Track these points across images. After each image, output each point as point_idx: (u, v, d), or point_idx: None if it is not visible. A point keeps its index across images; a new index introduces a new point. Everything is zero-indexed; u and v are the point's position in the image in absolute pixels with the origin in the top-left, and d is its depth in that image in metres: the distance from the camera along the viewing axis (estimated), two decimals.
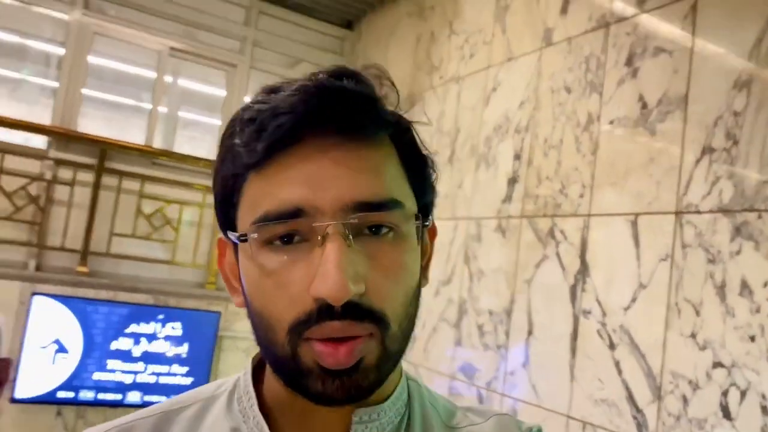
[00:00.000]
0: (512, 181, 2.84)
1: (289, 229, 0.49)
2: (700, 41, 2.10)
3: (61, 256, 3.69)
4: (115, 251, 3.85)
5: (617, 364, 2.17)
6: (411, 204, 0.53)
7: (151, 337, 3.67)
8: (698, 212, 2.00)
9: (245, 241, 0.50)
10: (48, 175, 3.71)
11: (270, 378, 0.57)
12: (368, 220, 0.49)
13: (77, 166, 3.77)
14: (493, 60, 3.12)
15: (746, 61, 1.94)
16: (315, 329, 0.48)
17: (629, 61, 2.35)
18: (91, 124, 4.30)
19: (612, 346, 2.20)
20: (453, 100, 3.38)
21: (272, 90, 0.51)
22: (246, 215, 0.51)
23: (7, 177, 3.56)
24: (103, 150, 3.79)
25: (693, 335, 1.94)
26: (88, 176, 3.80)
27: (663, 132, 2.17)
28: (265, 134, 0.48)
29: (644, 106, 2.26)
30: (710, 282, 1.92)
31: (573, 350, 2.35)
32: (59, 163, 3.74)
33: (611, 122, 2.38)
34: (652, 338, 2.07)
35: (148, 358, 3.64)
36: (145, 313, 3.68)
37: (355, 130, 0.49)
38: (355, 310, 0.48)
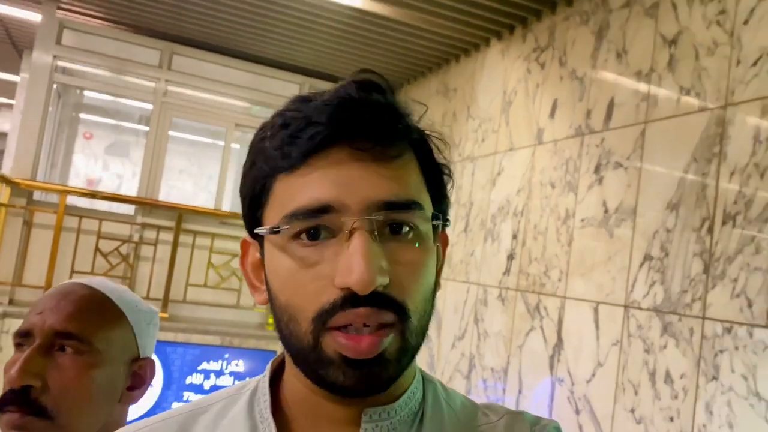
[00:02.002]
0: (510, 257, 3.33)
1: (318, 224, 0.51)
2: (647, 163, 2.54)
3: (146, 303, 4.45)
4: (190, 298, 4.59)
5: (580, 427, 2.63)
6: (429, 207, 0.56)
7: (219, 373, 4.37)
8: (639, 308, 2.45)
9: (277, 232, 0.53)
10: (136, 237, 4.49)
11: (289, 378, 0.59)
12: (391, 218, 0.52)
13: (159, 228, 4.53)
14: (499, 147, 3.61)
15: (676, 188, 2.37)
16: (339, 316, 0.50)
17: (597, 170, 2.80)
18: (171, 192, 5.07)
19: (577, 412, 2.66)
20: (468, 176, 3.88)
21: (305, 99, 0.54)
22: (275, 212, 0.54)
23: (103, 240, 4.35)
24: (180, 214, 4.54)
25: (632, 410, 2.39)
26: (168, 236, 4.56)
27: (618, 236, 2.62)
28: (300, 141, 0.51)
29: (606, 210, 2.71)
30: (645, 368, 2.37)
31: (550, 410, 2.82)
32: (144, 226, 4.51)
33: (582, 220, 2.84)
34: (606, 409, 2.52)
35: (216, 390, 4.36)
36: (213, 353, 4.39)
37: (381, 139, 0.52)
38: (380, 299, 0.50)
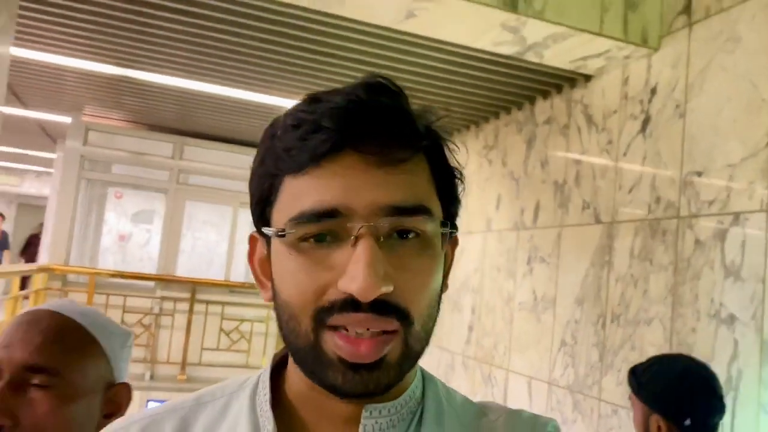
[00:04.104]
0: (470, 328, 3.83)
1: (324, 228, 0.50)
2: (562, 262, 3.03)
3: (166, 367, 5.07)
4: (205, 361, 5.18)
5: None
6: (438, 212, 0.55)
7: None
8: (558, 386, 2.93)
9: (282, 236, 0.52)
10: (156, 309, 5.12)
11: (291, 373, 0.59)
12: (398, 224, 0.51)
13: (176, 300, 5.15)
14: (461, 228, 4.11)
15: (581, 286, 2.86)
16: (338, 317, 0.49)
17: (529, 261, 3.30)
18: (185, 265, 5.70)
19: None
20: None
21: (315, 99, 0.53)
22: (282, 213, 0.53)
23: (128, 314, 4.98)
24: (194, 287, 5.15)
25: None
26: (184, 306, 5.17)
27: (543, 321, 3.11)
28: (308, 144, 0.50)
29: (535, 298, 3.20)
30: None
31: None
32: (163, 299, 5.13)
33: (519, 303, 3.33)
34: None
35: None
36: None
37: (389, 144, 0.51)
38: (381, 306, 0.49)
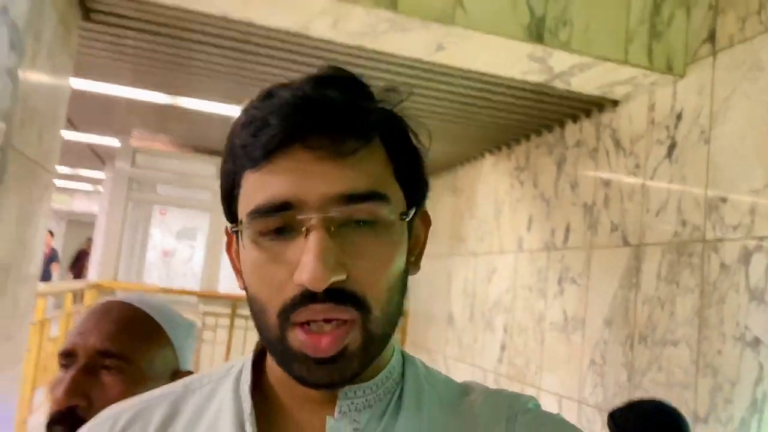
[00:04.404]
0: (502, 347, 3.89)
1: (278, 223, 0.52)
2: (592, 283, 3.09)
3: None
4: None
5: None
6: (396, 197, 0.56)
7: None
8: (588, 404, 2.98)
9: (237, 231, 0.55)
10: (199, 324, 5.31)
11: (269, 359, 0.60)
12: (351, 212, 0.52)
13: (218, 315, 5.34)
14: (493, 248, 4.20)
15: (609, 307, 2.91)
16: (299, 312, 0.51)
17: (559, 282, 3.36)
18: (227, 283, 5.90)
19: None
20: (472, 270, 4.48)
21: (268, 95, 0.55)
22: (242, 208, 0.55)
23: None
24: (234, 303, 5.33)
25: None
26: (225, 321, 5.36)
27: (573, 341, 3.16)
28: (260, 140, 0.52)
29: (565, 318, 3.26)
30: None
31: None
32: (206, 314, 5.33)
33: (550, 323, 3.39)
34: None
35: None
36: None
37: (335, 136, 0.52)
38: (337, 295, 0.50)
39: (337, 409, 0.56)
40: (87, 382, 0.90)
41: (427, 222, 0.63)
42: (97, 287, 4.95)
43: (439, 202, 5.26)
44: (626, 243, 2.86)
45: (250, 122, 0.54)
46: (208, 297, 5.38)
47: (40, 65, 2.18)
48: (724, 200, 2.35)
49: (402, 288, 0.57)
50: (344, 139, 0.52)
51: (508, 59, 2.64)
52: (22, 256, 2.28)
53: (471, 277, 4.50)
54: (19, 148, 2.05)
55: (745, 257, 2.21)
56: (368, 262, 0.53)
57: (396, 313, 0.56)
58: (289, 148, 0.52)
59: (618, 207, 2.96)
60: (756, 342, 2.12)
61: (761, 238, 2.16)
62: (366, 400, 0.57)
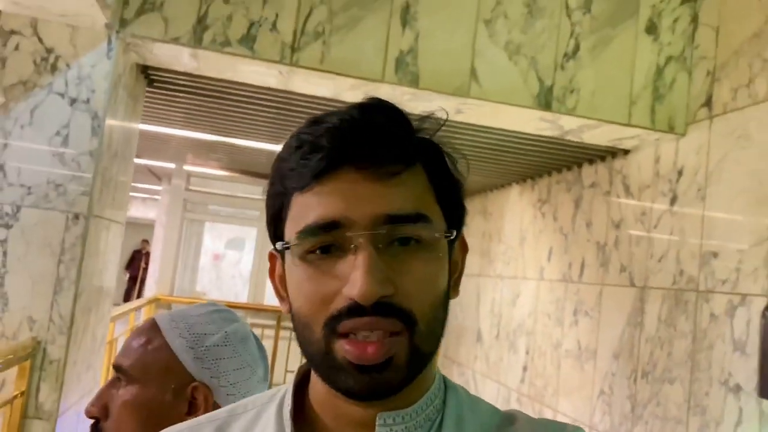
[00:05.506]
0: (525, 368, 4.17)
1: (327, 240, 0.55)
2: (603, 317, 3.34)
3: None
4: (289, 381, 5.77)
5: None
6: (438, 219, 0.58)
7: None
8: (597, 431, 3.24)
9: (288, 248, 0.57)
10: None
11: (313, 382, 0.62)
12: (397, 231, 0.55)
13: (263, 327, 5.77)
14: (518, 273, 4.48)
15: (618, 342, 3.17)
16: (346, 323, 0.53)
17: (575, 313, 3.63)
18: (273, 295, 6.32)
19: None
20: (499, 292, 4.76)
21: (316, 121, 0.58)
22: (291, 228, 0.57)
23: None
24: (279, 315, 5.75)
25: None
26: (270, 332, 5.78)
27: (586, 370, 3.43)
28: (309, 163, 0.55)
29: (579, 347, 3.53)
30: None
31: None
32: (252, 326, 5.76)
33: (566, 351, 3.66)
34: None
35: None
36: None
37: (381, 158, 0.55)
38: (384, 308, 0.52)
39: None
40: (107, 395, 0.97)
41: (464, 248, 0.66)
42: (156, 301, 5.44)
43: (471, 223, 5.53)
44: (633, 284, 3.11)
45: (298, 146, 0.58)
46: (255, 309, 5.81)
47: (114, 139, 2.57)
48: (715, 255, 2.58)
49: (445, 307, 0.59)
50: (389, 161, 0.55)
51: (521, 120, 2.92)
52: (100, 299, 2.70)
53: (498, 299, 4.78)
54: (97, 213, 2.45)
55: (731, 310, 2.45)
56: (414, 278, 0.55)
57: (439, 330, 0.58)
58: (338, 170, 0.55)
59: (627, 250, 3.20)
60: (737, 388, 2.37)
61: (744, 295, 2.40)
62: (405, 427, 0.58)
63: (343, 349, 0.53)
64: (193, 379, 0.96)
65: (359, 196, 0.54)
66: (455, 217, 0.62)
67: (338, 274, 0.54)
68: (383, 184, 0.55)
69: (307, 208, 0.56)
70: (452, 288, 0.62)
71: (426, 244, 0.56)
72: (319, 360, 0.55)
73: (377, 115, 0.58)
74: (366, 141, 0.55)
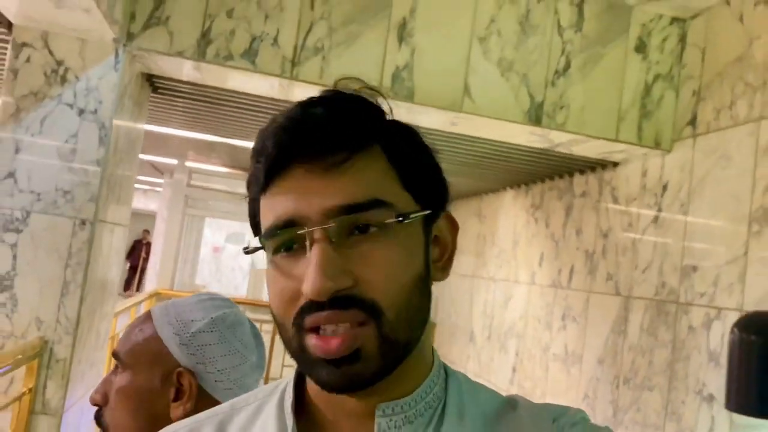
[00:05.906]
0: (514, 369, 4.29)
1: (287, 239, 0.55)
2: (589, 324, 3.46)
3: None
4: (285, 375, 5.91)
5: None
6: (402, 201, 0.57)
7: None
8: None
9: (251, 252, 0.59)
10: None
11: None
12: (351, 221, 0.54)
13: (262, 322, 5.87)
14: (510, 276, 4.59)
15: (603, 349, 3.28)
16: (308, 319, 0.53)
17: (563, 318, 3.74)
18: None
19: None
20: (491, 293, 4.88)
21: (270, 123, 0.58)
22: (261, 232, 0.58)
23: None
24: None
25: None
26: (268, 327, 5.89)
27: (572, 374, 3.55)
28: (263, 166, 0.56)
29: (566, 352, 3.64)
30: None
31: None
32: (252, 321, 5.89)
33: (553, 354, 3.78)
34: None
35: None
36: None
37: (324, 152, 0.54)
38: (342, 301, 0.52)
39: (376, 427, 0.57)
40: (109, 383, 1.00)
41: (454, 225, 0.64)
42: (157, 295, 5.56)
43: (466, 223, 5.65)
44: (618, 293, 3.22)
45: (254, 152, 0.58)
46: (254, 305, 5.93)
47: (120, 143, 2.68)
48: (695, 269, 2.69)
49: (420, 292, 0.57)
50: (332, 151, 0.54)
51: (513, 133, 3.02)
52: (103, 298, 2.81)
53: (490, 300, 4.90)
54: (102, 218, 2.56)
55: (707, 323, 2.56)
56: (376, 266, 0.54)
57: (416, 317, 0.57)
58: (287, 169, 0.55)
59: (613, 259, 3.31)
60: (710, 398, 2.48)
61: (720, 309, 2.51)
62: (405, 416, 0.58)
63: (312, 344, 0.53)
64: (179, 365, 0.97)
65: (309, 192, 0.54)
66: (430, 196, 0.60)
67: (298, 273, 0.54)
68: (331, 175, 0.54)
69: (267, 211, 0.57)
70: (440, 269, 0.62)
71: (388, 230, 0.55)
72: (297, 357, 0.56)
73: (317, 107, 0.57)
74: (306, 135, 0.55)
